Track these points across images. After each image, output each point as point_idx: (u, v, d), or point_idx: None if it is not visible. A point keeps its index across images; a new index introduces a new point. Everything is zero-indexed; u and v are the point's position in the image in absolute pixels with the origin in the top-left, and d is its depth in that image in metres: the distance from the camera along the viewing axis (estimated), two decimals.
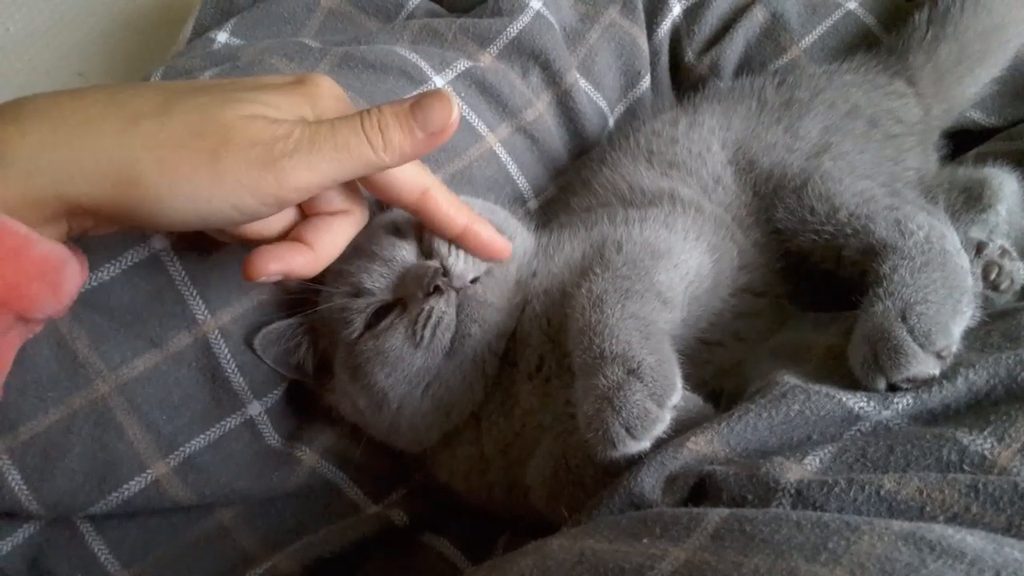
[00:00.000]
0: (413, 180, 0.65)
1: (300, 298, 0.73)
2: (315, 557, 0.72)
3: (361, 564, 0.75)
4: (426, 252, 0.72)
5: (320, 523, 0.76)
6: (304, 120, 0.57)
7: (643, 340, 0.58)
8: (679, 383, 0.57)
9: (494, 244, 0.70)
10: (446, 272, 0.68)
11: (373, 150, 0.56)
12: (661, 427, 0.55)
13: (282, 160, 0.53)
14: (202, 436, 0.73)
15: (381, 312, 0.70)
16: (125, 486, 0.70)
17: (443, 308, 0.68)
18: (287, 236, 0.63)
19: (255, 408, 0.76)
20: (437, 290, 0.68)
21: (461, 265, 0.69)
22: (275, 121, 0.55)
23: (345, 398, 0.74)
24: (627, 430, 0.54)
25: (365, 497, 0.79)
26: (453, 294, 0.68)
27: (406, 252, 0.71)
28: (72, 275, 0.56)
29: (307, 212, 0.65)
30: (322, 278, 0.70)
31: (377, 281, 0.70)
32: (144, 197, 0.52)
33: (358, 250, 0.71)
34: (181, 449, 0.72)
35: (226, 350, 0.73)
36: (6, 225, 0.49)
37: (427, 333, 0.67)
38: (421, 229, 0.72)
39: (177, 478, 0.72)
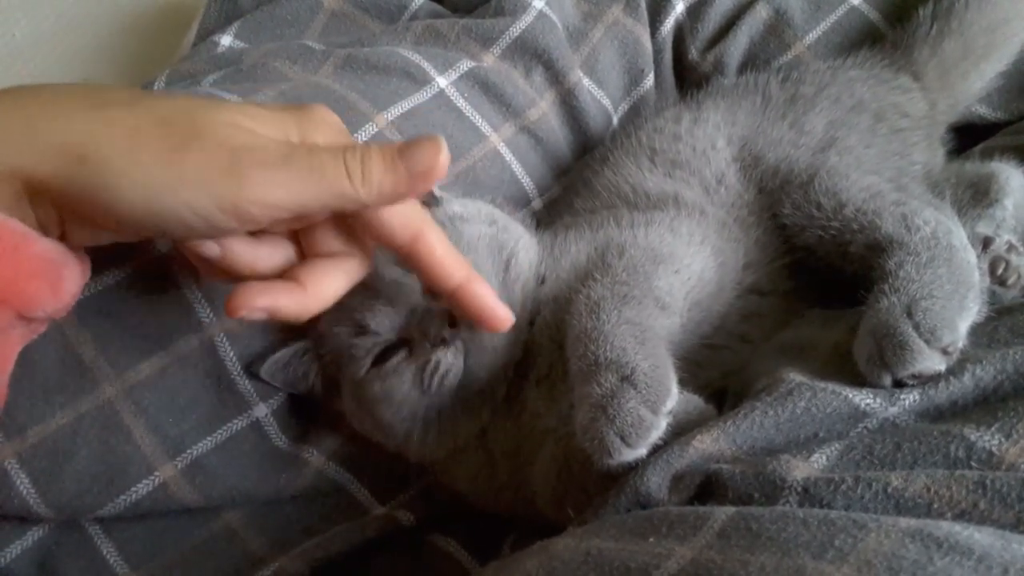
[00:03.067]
0: (408, 219, 0.58)
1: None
2: (322, 558, 0.72)
3: (368, 565, 0.75)
4: None
5: (327, 524, 0.76)
6: (288, 140, 0.54)
7: (638, 346, 0.57)
8: (674, 388, 0.56)
9: (494, 312, 0.63)
10: (453, 321, 0.66)
11: (350, 180, 0.52)
12: (656, 434, 0.54)
13: (249, 169, 0.50)
14: (209, 438, 0.73)
15: (388, 350, 0.69)
16: (133, 489, 0.70)
17: (451, 360, 0.66)
18: (281, 276, 0.59)
19: (261, 410, 0.76)
20: (444, 341, 0.66)
21: None
22: (254, 133, 0.52)
23: (352, 417, 0.74)
24: (622, 438, 0.53)
25: (372, 498, 0.79)
26: (460, 343, 0.67)
27: (410, 289, 0.69)
28: (72, 274, 0.55)
29: (306, 253, 0.61)
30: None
31: (382, 322, 0.69)
32: (95, 177, 0.49)
33: (361, 282, 0.67)
34: (188, 451, 0.72)
35: (232, 353, 0.73)
36: (4, 223, 0.49)
37: (435, 382, 0.66)
38: None
39: (184, 480, 0.72)
